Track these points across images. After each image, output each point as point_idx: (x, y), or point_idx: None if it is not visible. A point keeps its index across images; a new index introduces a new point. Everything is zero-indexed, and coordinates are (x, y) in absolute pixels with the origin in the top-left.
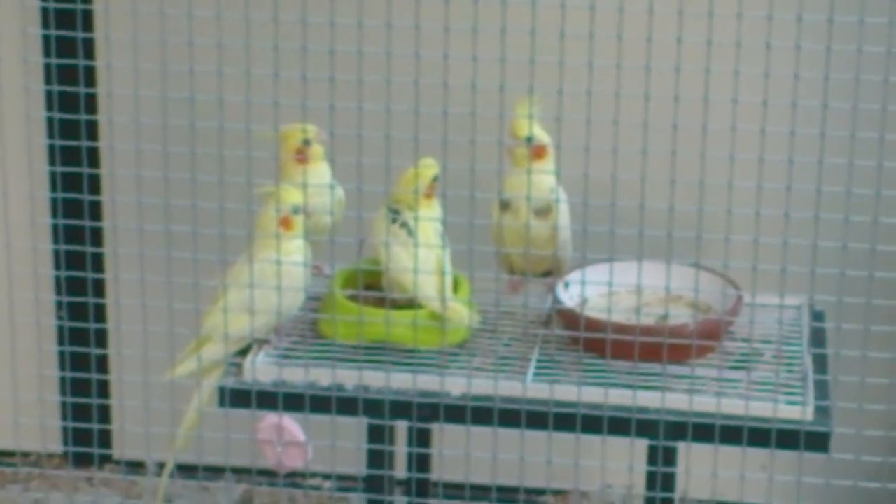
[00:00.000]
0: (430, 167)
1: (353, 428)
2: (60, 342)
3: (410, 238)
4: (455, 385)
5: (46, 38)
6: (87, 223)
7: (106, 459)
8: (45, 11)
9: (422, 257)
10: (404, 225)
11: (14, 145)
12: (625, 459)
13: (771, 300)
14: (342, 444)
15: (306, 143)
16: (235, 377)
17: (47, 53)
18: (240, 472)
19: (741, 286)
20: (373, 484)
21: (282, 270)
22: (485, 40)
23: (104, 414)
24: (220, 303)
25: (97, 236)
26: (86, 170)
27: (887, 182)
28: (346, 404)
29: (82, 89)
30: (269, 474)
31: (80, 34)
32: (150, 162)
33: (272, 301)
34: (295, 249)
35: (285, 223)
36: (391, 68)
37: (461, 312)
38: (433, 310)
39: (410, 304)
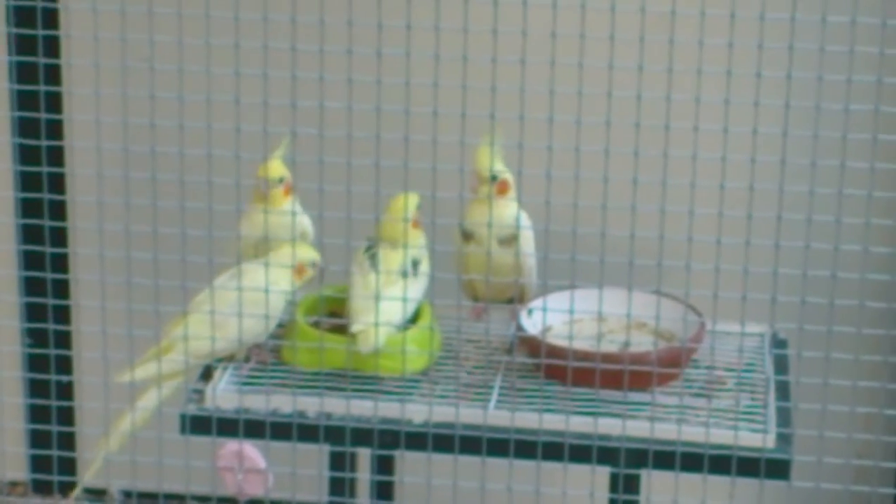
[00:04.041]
0: (410, 199)
1: (315, 455)
2: (25, 369)
3: (372, 266)
4: (416, 412)
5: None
6: (49, 249)
7: (70, 487)
8: (9, 37)
9: (363, 283)
10: (373, 255)
11: None
12: (586, 487)
13: (734, 328)
14: (304, 472)
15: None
16: (197, 404)
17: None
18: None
19: (703, 314)
20: None
21: (260, 297)
22: (446, 67)
23: (69, 441)
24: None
25: (61, 262)
26: (47, 195)
27: (848, 209)
28: (308, 431)
29: (43, 115)
30: (230, 502)
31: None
32: (113, 187)
33: (247, 322)
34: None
35: (300, 269)
36: (352, 95)
37: (368, 336)
38: (353, 332)
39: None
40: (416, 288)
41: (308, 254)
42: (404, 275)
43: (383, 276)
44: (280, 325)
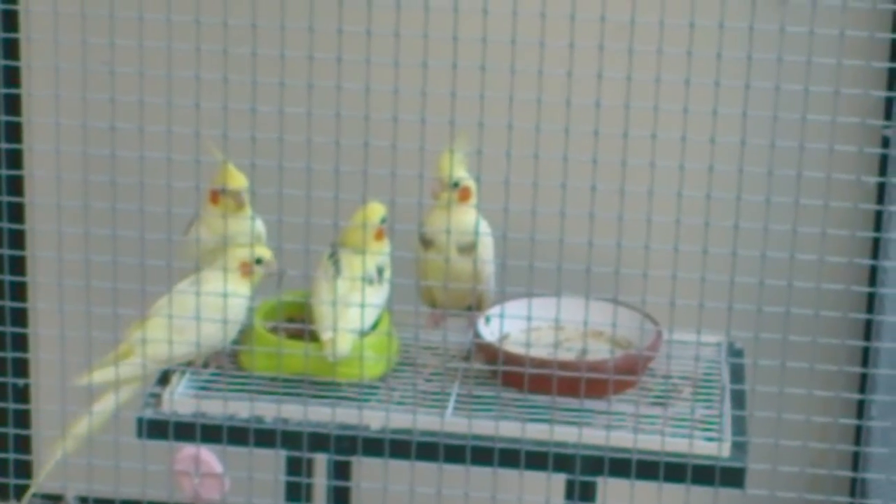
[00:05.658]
0: (376, 210)
1: (272, 460)
2: None
3: (336, 272)
4: (374, 418)
5: None
6: (7, 251)
7: (27, 491)
8: None
9: (328, 289)
10: (337, 261)
11: None
12: (542, 494)
13: (690, 337)
14: (261, 477)
15: (223, 190)
16: (154, 408)
17: None
18: None
19: (660, 322)
20: None
21: (219, 303)
22: (406, 73)
23: (25, 445)
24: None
25: (19, 265)
26: (5, 198)
27: (805, 219)
28: (265, 436)
29: (2, 117)
30: None
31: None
32: (72, 190)
33: (208, 328)
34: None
35: (244, 269)
36: (312, 100)
37: (334, 342)
38: (323, 339)
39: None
40: (381, 294)
41: (250, 252)
42: (370, 281)
43: (349, 282)
44: (241, 331)
